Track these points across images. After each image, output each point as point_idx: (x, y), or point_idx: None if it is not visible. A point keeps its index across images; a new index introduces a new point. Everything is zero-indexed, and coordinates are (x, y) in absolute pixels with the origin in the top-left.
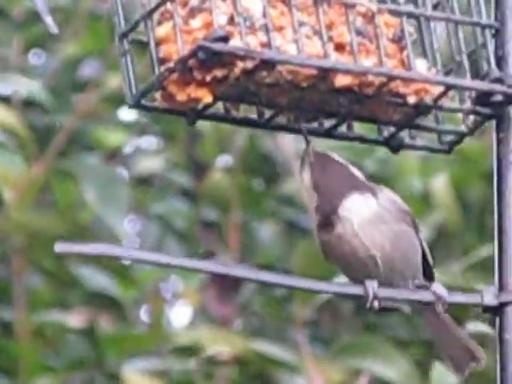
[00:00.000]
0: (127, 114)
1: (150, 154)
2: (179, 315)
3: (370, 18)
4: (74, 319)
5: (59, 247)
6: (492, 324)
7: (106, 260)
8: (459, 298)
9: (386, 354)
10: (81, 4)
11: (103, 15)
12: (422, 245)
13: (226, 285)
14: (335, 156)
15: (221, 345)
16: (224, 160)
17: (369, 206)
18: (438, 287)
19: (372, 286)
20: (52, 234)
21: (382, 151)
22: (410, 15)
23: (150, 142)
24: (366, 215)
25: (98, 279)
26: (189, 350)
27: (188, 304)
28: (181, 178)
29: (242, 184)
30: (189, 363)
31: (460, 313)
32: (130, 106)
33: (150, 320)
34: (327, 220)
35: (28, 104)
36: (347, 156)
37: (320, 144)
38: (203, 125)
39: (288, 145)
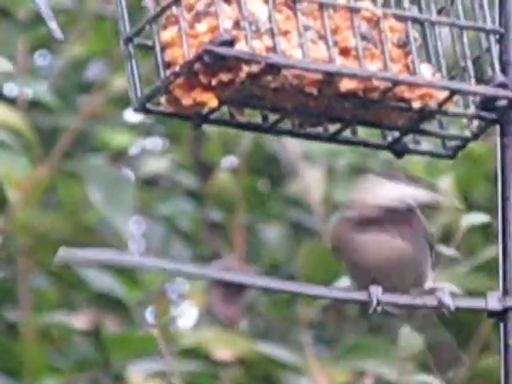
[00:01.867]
0: (133, 116)
1: (155, 155)
2: (185, 316)
3: (375, 22)
4: (79, 320)
5: (63, 252)
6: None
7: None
8: (463, 302)
9: (390, 355)
10: (86, 5)
11: (108, 16)
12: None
13: (232, 286)
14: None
15: (226, 346)
16: (229, 161)
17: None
18: (443, 292)
19: (376, 292)
20: (57, 234)
21: (387, 152)
22: (414, 20)
23: (155, 143)
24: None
25: (103, 280)
26: (194, 352)
27: (193, 305)
28: (186, 179)
29: (247, 185)
30: (194, 364)
31: (466, 316)
32: (135, 110)
33: (156, 321)
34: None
35: (33, 105)
36: (352, 157)
37: (323, 146)
38: (209, 126)
39: (294, 146)
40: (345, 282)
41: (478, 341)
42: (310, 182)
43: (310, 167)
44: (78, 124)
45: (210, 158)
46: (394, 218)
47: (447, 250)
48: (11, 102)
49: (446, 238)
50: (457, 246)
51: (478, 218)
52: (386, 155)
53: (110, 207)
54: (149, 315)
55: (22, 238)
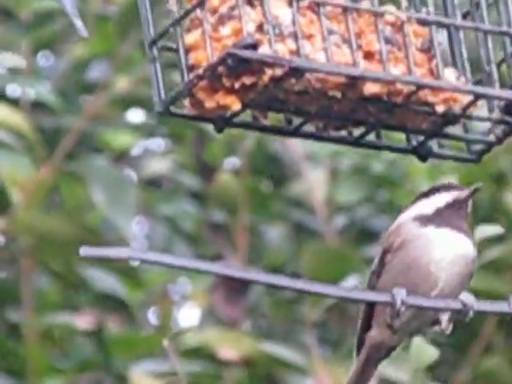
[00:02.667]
0: (135, 116)
1: (157, 156)
2: (187, 317)
3: (398, 27)
4: (82, 321)
5: (84, 251)
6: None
7: (114, 262)
8: (486, 306)
9: (394, 355)
10: (89, 6)
11: (111, 17)
12: None
13: (235, 286)
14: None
15: (230, 346)
16: (232, 162)
17: (468, 246)
18: (466, 296)
19: (400, 293)
20: (60, 235)
21: (390, 153)
22: (439, 24)
23: (158, 143)
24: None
25: (106, 281)
26: (197, 352)
27: (196, 306)
28: (189, 180)
29: (249, 186)
30: (197, 365)
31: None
32: (159, 113)
33: (158, 322)
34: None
35: (36, 106)
36: (355, 158)
37: (327, 147)
38: (211, 126)
39: (296, 146)
40: (351, 282)
41: (481, 342)
42: (313, 182)
43: (312, 168)
44: (80, 125)
45: (212, 159)
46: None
47: None
48: (14, 102)
49: None
50: None
51: (490, 230)
52: (390, 156)
53: (112, 208)
54: (151, 316)
55: (25, 239)
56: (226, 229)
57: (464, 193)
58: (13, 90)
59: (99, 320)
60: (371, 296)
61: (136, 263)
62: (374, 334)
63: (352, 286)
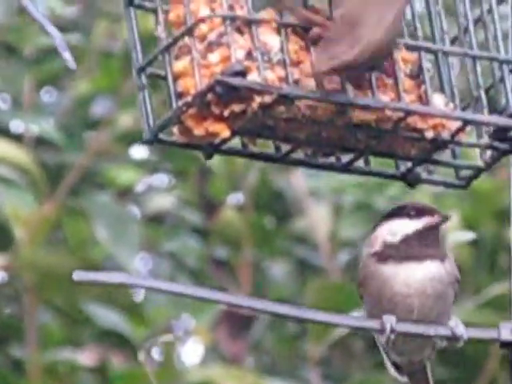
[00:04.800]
0: (139, 152)
1: (161, 192)
2: (191, 353)
3: None
4: (86, 357)
5: (77, 276)
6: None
7: (117, 298)
8: (476, 333)
9: None
10: (93, 42)
11: (115, 53)
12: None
13: (238, 322)
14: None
15: (232, 382)
16: (235, 198)
17: (434, 268)
18: (456, 322)
19: (390, 320)
20: (63, 271)
21: (394, 189)
22: (427, 50)
23: (161, 179)
24: (430, 273)
25: (109, 317)
26: None
27: (199, 342)
28: (192, 216)
29: (253, 222)
30: None
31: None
32: (148, 141)
33: (162, 358)
34: (392, 255)
35: (40, 142)
36: (359, 193)
37: (333, 180)
38: (214, 162)
39: (300, 182)
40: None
41: (486, 376)
42: (317, 218)
43: (316, 204)
44: (84, 161)
45: (215, 194)
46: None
47: None
48: (18, 138)
49: None
50: (462, 284)
51: (465, 235)
52: (393, 192)
53: (115, 244)
54: (155, 352)
55: (28, 275)
56: (229, 264)
57: (435, 219)
58: (16, 125)
59: (102, 356)
60: (360, 322)
61: (139, 298)
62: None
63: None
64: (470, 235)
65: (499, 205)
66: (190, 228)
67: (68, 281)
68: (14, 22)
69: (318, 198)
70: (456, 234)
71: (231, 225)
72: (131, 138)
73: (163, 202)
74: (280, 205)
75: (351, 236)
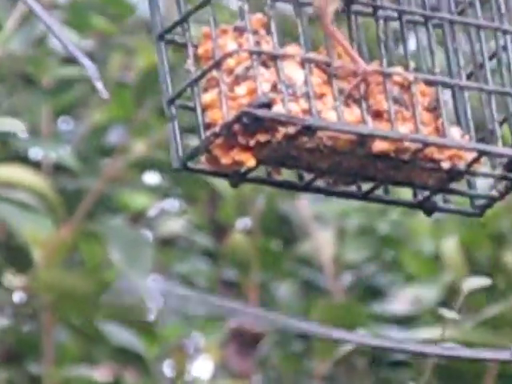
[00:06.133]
0: (151, 179)
1: (172, 217)
2: (201, 369)
3: (406, 87)
4: (101, 373)
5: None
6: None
7: (131, 317)
8: (488, 354)
9: None
10: (107, 73)
11: (128, 84)
12: None
13: (246, 341)
14: None
15: None
16: (243, 222)
17: None
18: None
19: None
20: (79, 292)
21: (395, 214)
22: (444, 85)
23: (172, 204)
24: None
25: (123, 335)
26: None
27: (209, 359)
28: (202, 240)
29: (261, 245)
30: None
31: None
32: (177, 169)
33: (173, 374)
34: None
35: (57, 168)
36: (361, 218)
37: (337, 205)
38: (224, 189)
39: (305, 207)
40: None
41: None
42: (321, 242)
43: (320, 228)
44: (99, 187)
45: (225, 219)
46: None
47: (449, 313)
48: (36, 165)
49: (450, 297)
50: (459, 308)
51: (479, 281)
52: (394, 216)
53: (129, 266)
54: (166, 369)
55: (46, 296)
56: (238, 285)
57: None
58: (35, 153)
59: (117, 373)
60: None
61: (152, 318)
62: None
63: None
64: (486, 281)
65: (497, 229)
66: (201, 251)
67: (84, 300)
68: (32, 53)
69: (322, 223)
70: (471, 281)
71: (240, 248)
72: (144, 164)
73: (175, 225)
74: (286, 229)
75: (355, 259)
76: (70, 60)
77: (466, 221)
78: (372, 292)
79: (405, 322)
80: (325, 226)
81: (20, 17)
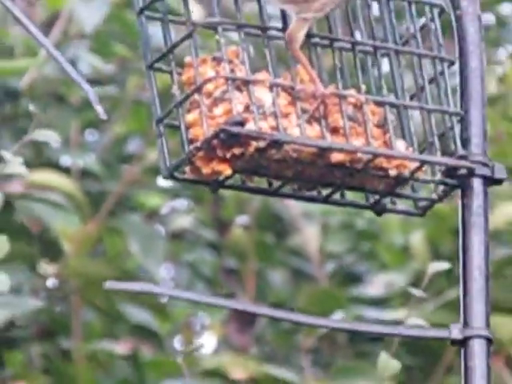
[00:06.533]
0: (164, 182)
1: (182, 214)
2: (206, 344)
3: (359, 106)
4: (121, 347)
5: (109, 285)
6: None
7: (147, 299)
8: (431, 332)
9: (374, 376)
10: (126, 93)
11: (144, 102)
12: None
13: (245, 319)
14: None
15: (240, 368)
16: (242, 219)
17: None
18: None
19: None
20: (103, 278)
21: (370, 213)
22: (391, 105)
23: (182, 203)
24: None
25: (140, 315)
26: (213, 373)
27: (213, 335)
28: (207, 234)
29: (257, 238)
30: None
31: (433, 344)
32: (165, 178)
33: (182, 348)
34: None
35: (84, 173)
36: (343, 216)
37: (319, 207)
38: (226, 191)
39: (294, 206)
40: (338, 316)
41: (443, 365)
42: (308, 236)
43: (308, 224)
44: (119, 189)
45: (226, 216)
46: None
47: (417, 292)
48: (66, 171)
49: (417, 281)
50: (424, 289)
51: (441, 265)
52: (370, 214)
53: (145, 256)
54: (177, 343)
55: (75, 281)
56: (237, 273)
57: None
58: (65, 160)
59: (135, 347)
60: (340, 324)
61: (165, 299)
62: None
63: (339, 318)
64: (446, 265)
65: (455, 224)
66: (206, 243)
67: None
68: (63, 76)
69: (309, 219)
70: (434, 265)
71: (239, 241)
72: (157, 170)
73: (184, 222)
74: (278, 225)
75: (337, 250)
76: (95, 82)
77: (431, 217)
78: (351, 278)
79: (379, 303)
80: (311, 222)
81: (53, 43)
